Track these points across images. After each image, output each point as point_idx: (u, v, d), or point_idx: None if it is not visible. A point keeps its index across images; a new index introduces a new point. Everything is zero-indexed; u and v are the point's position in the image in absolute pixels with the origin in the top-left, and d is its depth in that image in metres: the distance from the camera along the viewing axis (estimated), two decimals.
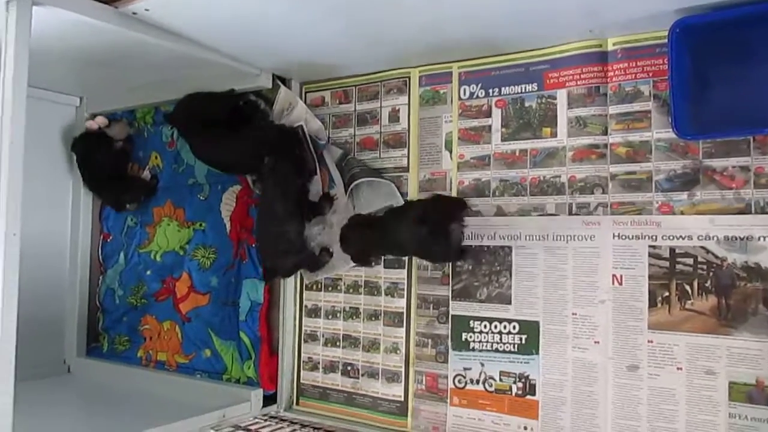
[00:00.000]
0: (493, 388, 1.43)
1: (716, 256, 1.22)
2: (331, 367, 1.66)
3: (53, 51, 1.51)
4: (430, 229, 1.38)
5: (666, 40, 1.19)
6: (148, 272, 2.01)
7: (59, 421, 1.62)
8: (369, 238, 1.48)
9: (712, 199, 1.23)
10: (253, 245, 1.76)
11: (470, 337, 1.46)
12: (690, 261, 1.24)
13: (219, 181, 1.88)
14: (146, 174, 2.03)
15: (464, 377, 1.46)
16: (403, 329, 1.55)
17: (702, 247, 1.23)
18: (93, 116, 2.06)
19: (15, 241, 1.09)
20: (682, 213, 1.25)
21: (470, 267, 1.47)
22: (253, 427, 1.56)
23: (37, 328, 1.92)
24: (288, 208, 1.56)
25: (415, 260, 1.54)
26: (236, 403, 1.61)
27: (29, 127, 1.14)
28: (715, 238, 1.22)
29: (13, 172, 1.10)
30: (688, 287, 1.25)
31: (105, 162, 2.03)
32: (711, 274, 1.22)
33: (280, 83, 1.72)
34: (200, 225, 1.91)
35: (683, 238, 1.25)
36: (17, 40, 1.14)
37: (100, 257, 2.14)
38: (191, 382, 1.79)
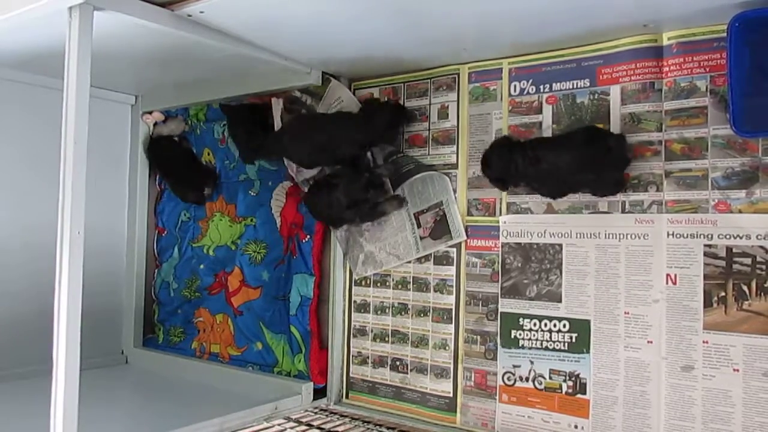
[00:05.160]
0: (542, 386, 1.42)
1: None
2: (380, 362, 1.68)
3: (110, 52, 1.55)
4: None
5: (724, 34, 1.16)
6: (201, 266, 2.06)
7: (118, 409, 1.69)
8: None
9: None
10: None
11: (519, 334, 1.45)
12: (748, 261, 1.21)
13: (269, 178, 1.92)
14: None
15: (513, 375, 1.46)
16: (452, 326, 1.56)
17: (761, 247, 1.20)
18: (149, 113, 2.13)
19: (79, 239, 1.14)
20: (740, 211, 1.22)
21: (520, 264, 1.46)
22: (304, 420, 1.59)
23: (95, 320, 1.98)
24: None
25: (464, 257, 1.54)
26: (287, 396, 1.65)
27: (88, 125, 1.18)
28: None
29: (77, 174, 1.14)
30: (745, 287, 1.22)
31: (177, 159, 2.11)
32: None
33: (331, 78, 1.74)
34: (251, 220, 1.95)
35: (741, 238, 1.22)
36: (80, 44, 1.18)
37: (155, 251, 2.20)
38: (243, 374, 1.84)
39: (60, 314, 1.13)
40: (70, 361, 1.13)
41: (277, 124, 1.74)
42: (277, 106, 1.75)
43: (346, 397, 1.74)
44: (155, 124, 2.13)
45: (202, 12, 1.28)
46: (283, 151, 1.72)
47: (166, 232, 2.18)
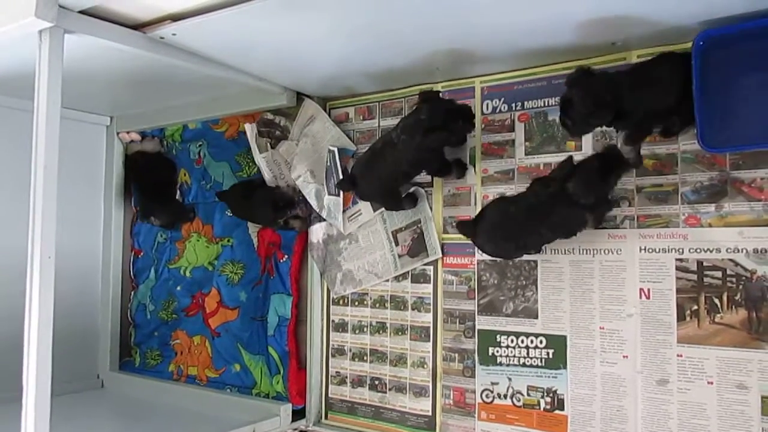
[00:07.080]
0: (521, 403, 1.42)
1: (746, 269, 1.20)
2: (358, 382, 1.67)
3: (84, 74, 1.55)
4: None
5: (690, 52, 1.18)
6: (178, 287, 2.04)
7: None
8: None
9: (741, 210, 1.21)
10: None
11: (497, 351, 1.46)
12: (719, 274, 1.23)
13: None
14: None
15: (492, 392, 1.46)
16: (430, 344, 1.56)
17: (731, 260, 1.22)
18: (126, 132, 2.12)
19: (50, 263, 1.12)
20: (710, 225, 1.24)
21: (496, 281, 1.47)
22: None
23: (70, 344, 1.97)
24: None
25: (441, 275, 1.55)
26: (266, 418, 1.63)
27: (61, 146, 1.17)
28: (744, 251, 1.20)
29: (47, 199, 1.13)
30: (717, 300, 1.23)
31: (155, 179, 2.10)
32: (741, 287, 1.21)
33: (305, 97, 1.74)
34: (228, 241, 1.94)
35: (711, 251, 1.24)
36: (50, 67, 1.17)
37: (132, 273, 2.18)
38: (221, 397, 1.82)
39: (30, 341, 1.11)
40: (40, 388, 1.11)
41: (254, 149, 1.74)
42: (252, 131, 1.74)
43: (325, 417, 1.72)
44: (131, 142, 2.13)
45: (174, 34, 1.29)
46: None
47: (142, 254, 2.16)
